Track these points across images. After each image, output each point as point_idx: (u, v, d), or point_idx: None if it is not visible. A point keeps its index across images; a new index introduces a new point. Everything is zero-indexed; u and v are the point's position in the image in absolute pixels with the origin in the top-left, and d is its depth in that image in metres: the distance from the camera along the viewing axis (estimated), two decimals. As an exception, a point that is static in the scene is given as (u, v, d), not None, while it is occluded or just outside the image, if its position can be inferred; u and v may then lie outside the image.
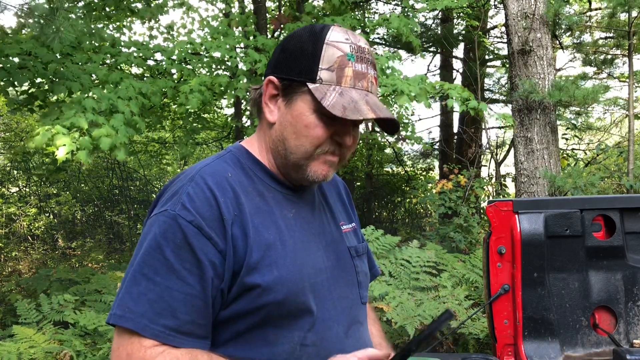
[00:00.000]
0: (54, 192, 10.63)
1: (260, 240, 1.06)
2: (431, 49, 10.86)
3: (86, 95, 4.25)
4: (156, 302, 0.98)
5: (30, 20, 3.86)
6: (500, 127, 10.76)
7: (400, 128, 6.07)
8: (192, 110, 5.63)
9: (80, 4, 5.84)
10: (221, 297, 1.04)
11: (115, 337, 1.01)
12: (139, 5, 6.34)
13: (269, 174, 1.16)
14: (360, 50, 1.10)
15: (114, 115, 4.14)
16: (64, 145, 3.75)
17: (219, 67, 5.64)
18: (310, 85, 1.08)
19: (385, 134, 7.18)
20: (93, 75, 4.69)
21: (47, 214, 10.54)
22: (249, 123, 6.47)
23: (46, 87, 4.65)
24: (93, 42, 5.05)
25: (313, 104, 1.08)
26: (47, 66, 4.46)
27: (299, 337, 1.08)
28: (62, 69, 4.49)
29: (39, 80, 4.63)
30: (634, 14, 5.46)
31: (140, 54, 5.19)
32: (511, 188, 8.01)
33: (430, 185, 7.84)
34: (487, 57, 10.75)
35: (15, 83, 4.41)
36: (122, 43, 5.36)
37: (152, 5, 6.37)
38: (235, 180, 1.10)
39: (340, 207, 1.33)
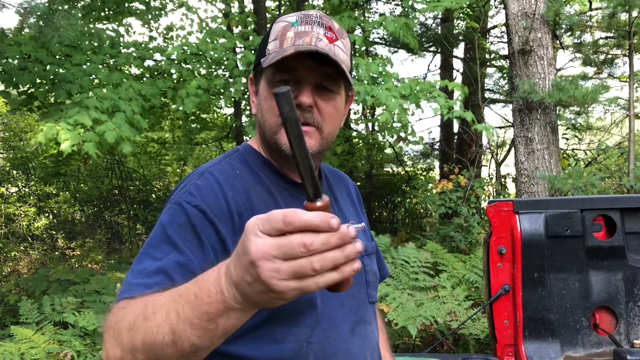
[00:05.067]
0: (54, 192, 10.63)
1: None
2: (431, 49, 10.86)
3: (88, 95, 4.26)
4: (155, 273, 0.95)
5: (31, 20, 3.86)
6: (500, 127, 10.76)
7: (399, 127, 6.03)
8: (190, 112, 5.64)
9: (80, 4, 5.84)
10: None
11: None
12: (138, 5, 6.34)
13: (276, 172, 1.16)
14: (307, 16, 1.11)
15: (116, 114, 4.15)
16: (69, 139, 3.75)
17: (217, 67, 5.64)
18: (262, 60, 1.11)
19: (389, 136, 7.11)
20: (93, 76, 4.69)
21: (47, 214, 10.53)
22: (248, 122, 6.46)
23: (46, 88, 4.65)
24: (92, 42, 5.05)
25: (267, 77, 1.11)
26: (46, 67, 4.47)
27: (306, 334, 1.07)
28: (61, 70, 4.50)
29: (39, 81, 4.64)
30: (634, 14, 5.45)
31: (139, 55, 5.19)
32: (511, 188, 8.00)
33: (430, 185, 7.84)
34: (487, 56, 10.74)
35: (19, 84, 4.42)
36: (122, 44, 5.36)
37: (152, 7, 6.37)
38: (244, 177, 1.11)
39: (350, 207, 1.33)
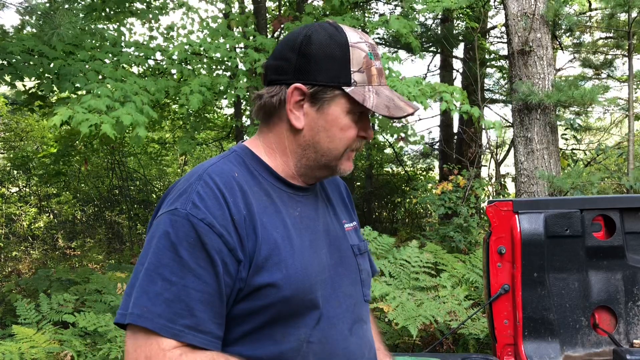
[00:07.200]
0: (54, 192, 10.64)
1: (269, 238, 1.07)
2: (431, 49, 10.86)
3: (98, 87, 4.28)
4: (173, 302, 0.98)
5: (28, 18, 3.87)
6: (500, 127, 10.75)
7: (400, 128, 6.04)
8: (193, 110, 5.66)
9: (81, 4, 5.84)
10: (236, 295, 1.05)
11: (130, 337, 0.99)
12: (139, 5, 6.34)
13: (273, 174, 1.17)
14: (373, 48, 1.16)
15: (126, 104, 4.18)
16: (87, 119, 3.77)
17: (218, 67, 5.65)
18: (347, 89, 1.11)
19: (389, 136, 7.16)
20: (97, 72, 4.71)
21: (47, 214, 10.54)
22: (248, 122, 6.47)
23: (52, 83, 4.64)
24: (94, 41, 5.06)
25: (347, 107, 1.12)
26: (51, 62, 4.48)
27: (305, 334, 1.09)
28: (65, 66, 4.51)
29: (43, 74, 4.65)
30: (634, 14, 5.45)
31: (141, 54, 5.20)
32: (511, 188, 8.01)
33: (430, 185, 7.84)
34: (487, 56, 10.74)
35: (24, 77, 4.43)
36: (123, 43, 5.37)
37: (152, 6, 6.37)
38: (242, 180, 1.11)
39: (342, 206, 1.35)
